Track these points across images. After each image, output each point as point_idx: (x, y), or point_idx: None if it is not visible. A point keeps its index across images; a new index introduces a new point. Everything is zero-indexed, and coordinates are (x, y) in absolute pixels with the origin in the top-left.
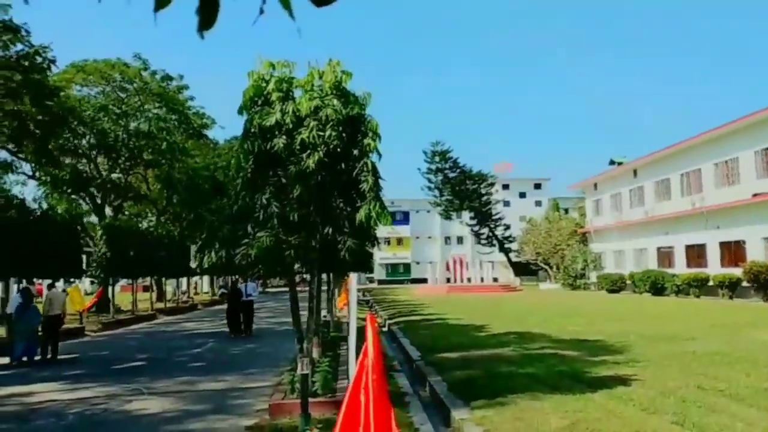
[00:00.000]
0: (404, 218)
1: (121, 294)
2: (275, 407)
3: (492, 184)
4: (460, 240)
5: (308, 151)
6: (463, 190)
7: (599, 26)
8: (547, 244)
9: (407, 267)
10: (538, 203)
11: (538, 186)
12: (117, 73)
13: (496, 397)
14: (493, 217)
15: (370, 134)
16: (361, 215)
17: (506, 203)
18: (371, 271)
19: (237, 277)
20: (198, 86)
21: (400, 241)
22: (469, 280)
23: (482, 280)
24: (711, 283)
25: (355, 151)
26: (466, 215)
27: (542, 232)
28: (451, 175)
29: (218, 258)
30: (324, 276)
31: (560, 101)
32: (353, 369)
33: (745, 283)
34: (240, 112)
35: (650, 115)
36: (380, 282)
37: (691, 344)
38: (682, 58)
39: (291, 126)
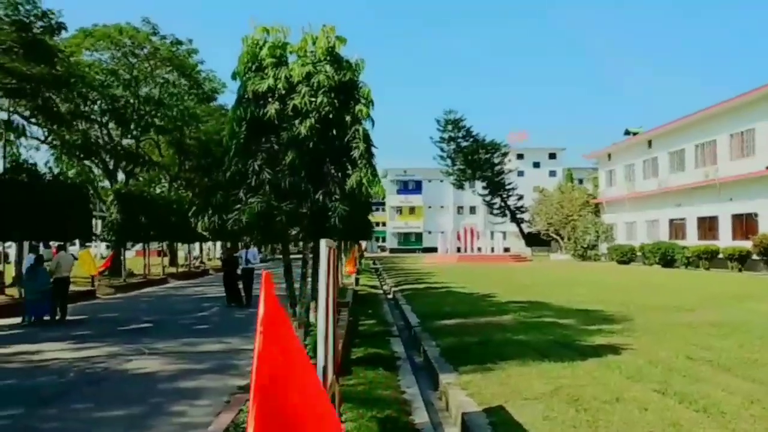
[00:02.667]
0: (417, 187)
1: (135, 259)
2: None
3: (505, 154)
4: (472, 210)
5: (300, 118)
6: (475, 160)
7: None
8: (559, 215)
9: (419, 236)
10: (553, 173)
11: (552, 156)
12: (126, 38)
13: (486, 363)
14: (506, 187)
15: (363, 101)
16: (352, 181)
17: (520, 173)
18: (371, 239)
19: (229, 244)
20: (210, 51)
21: (412, 210)
22: (479, 249)
23: (493, 250)
24: (721, 255)
25: (348, 118)
26: (479, 185)
27: (554, 202)
28: (464, 144)
29: (210, 223)
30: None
31: (580, 70)
32: (321, 337)
33: (755, 256)
34: (234, 77)
35: (673, 84)
36: (392, 251)
37: (691, 315)
38: (706, 22)
39: (283, 92)
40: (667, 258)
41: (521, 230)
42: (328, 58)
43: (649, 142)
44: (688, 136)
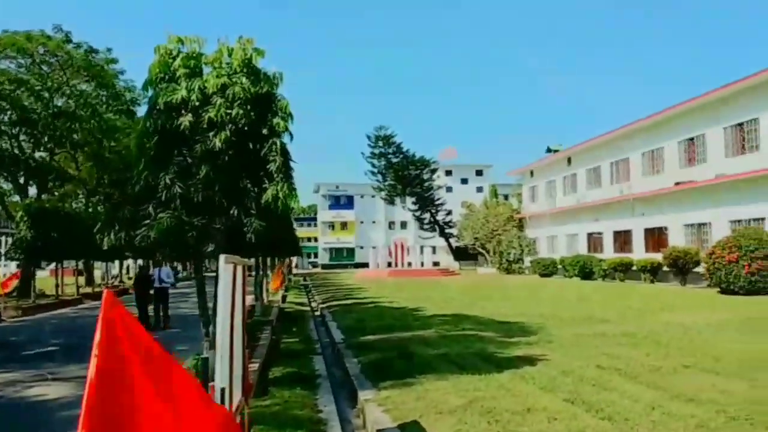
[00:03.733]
0: (349, 202)
1: (48, 278)
2: None
3: (434, 170)
4: (403, 225)
5: (215, 130)
6: (405, 176)
7: (545, 16)
8: (485, 230)
9: (351, 251)
10: (480, 189)
11: (479, 172)
12: (38, 45)
13: (405, 378)
14: (435, 203)
15: (281, 114)
16: (268, 196)
17: (449, 189)
18: (300, 254)
19: (152, 262)
20: (133, 62)
21: (344, 225)
22: (410, 264)
23: (422, 264)
24: (635, 267)
25: (264, 131)
26: (409, 200)
27: (480, 217)
28: (394, 160)
29: (117, 239)
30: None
31: (508, 89)
32: (221, 358)
33: (665, 268)
34: (145, 88)
35: (594, 102)
36: (324, 266)
37: (605, 326)
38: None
39: (197, 103)
40: (585, 270)
41: (450, 244)
42: (245, 70)
43: (569, 160)
44: (604, 153)
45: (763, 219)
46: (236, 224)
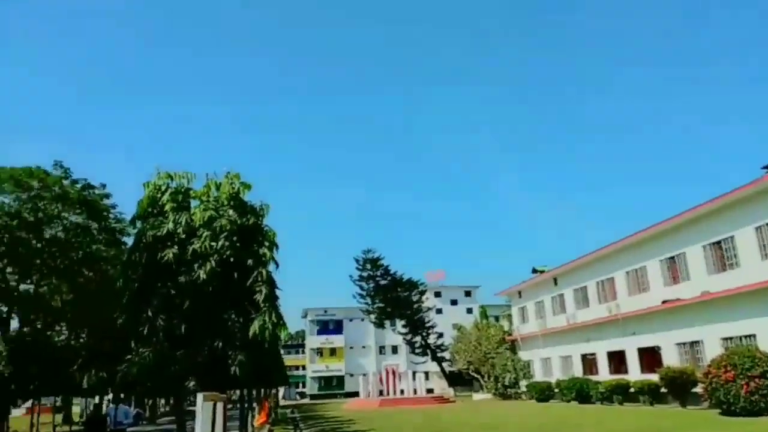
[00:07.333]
0: (337, 327)
1: (25, 416)
2: None
3: (423, 292)
4: (394, 349)
5: (200, 261)
6: (394, 297)
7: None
8: (478, 353)
9: (341, 380)
10: (470, 310)
11: (468, 293)
12: (35, 181)
13: None
14: (426, 325)
15: (267, 244)
16: (254, 327)
17: (438, 311)
18: (287, 384)
19: (100, 399)
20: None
21: (333, 351)
22: (402, 391)
23: (416, 391)
24: (632, 389)
25: (250, 261)
26: (399, 323)
27: (472, 340)
28: (383, 282)
29: (98, 378)
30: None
31: (491, 210)
32: None
33: (663, 389)
34: (133, 223)
35: (576, 220)
36: (312, 396)
37: None
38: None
39: (183, 236)
40: (583, 394)
41: (443, 369)
42: (232, 203)
43: (555, 280)
44: (589, 273)
45: (754, 335)
46: (220, 357)
